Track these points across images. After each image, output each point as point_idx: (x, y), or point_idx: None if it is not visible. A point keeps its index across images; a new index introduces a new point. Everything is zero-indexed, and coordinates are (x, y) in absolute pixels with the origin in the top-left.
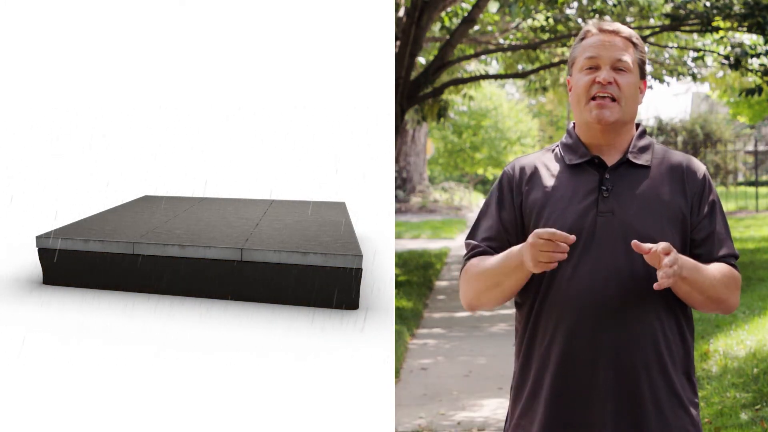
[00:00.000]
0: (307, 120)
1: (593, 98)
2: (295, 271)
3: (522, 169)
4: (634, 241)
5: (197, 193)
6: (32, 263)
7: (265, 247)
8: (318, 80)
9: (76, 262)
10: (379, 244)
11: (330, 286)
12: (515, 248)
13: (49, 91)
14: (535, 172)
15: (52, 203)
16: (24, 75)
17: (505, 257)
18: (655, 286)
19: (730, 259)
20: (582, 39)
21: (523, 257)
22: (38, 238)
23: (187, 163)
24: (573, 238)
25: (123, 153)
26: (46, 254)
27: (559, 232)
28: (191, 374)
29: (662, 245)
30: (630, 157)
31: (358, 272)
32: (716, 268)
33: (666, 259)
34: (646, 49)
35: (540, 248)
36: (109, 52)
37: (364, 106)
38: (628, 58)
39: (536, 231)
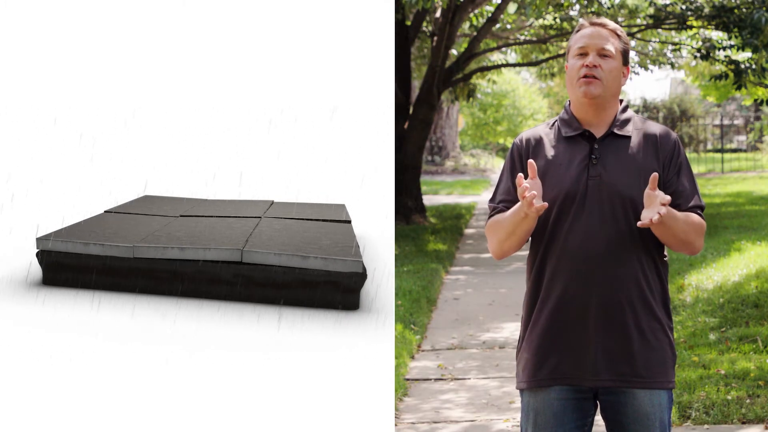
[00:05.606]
0: (307, 120)
1: (583, 77)
2: (295, 274)
3: (528, 141)
4: (641, 222)
5: (197, 193)
6: (32, 264)
7: (265, 249)
8: (318, 80)
9: (76, 264)
10: (379, 245)
11: (330, 290)
12: (518, 204)
13: (50, 90)
14: (539, 143)
15: (52, 203)
16: (24, 75)
17: (513, 212)
18: (639, 223)
19: (697, 209)
20: (577, 31)
21: (521, 208)
22: (39, 239)
23: (187, 163)
24: (521, 181)
25: (123, 153)
26: (46, 256)
27: (520, 181)
28: (190, 375)
29: (667, 197)
30: (614, 129)
31: (358, 276)
32: (688, 217)
33: (662, 209)
34: (633, 43)
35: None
36: (110, 51)
37: (364, 106)
38: (611, 46)
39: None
